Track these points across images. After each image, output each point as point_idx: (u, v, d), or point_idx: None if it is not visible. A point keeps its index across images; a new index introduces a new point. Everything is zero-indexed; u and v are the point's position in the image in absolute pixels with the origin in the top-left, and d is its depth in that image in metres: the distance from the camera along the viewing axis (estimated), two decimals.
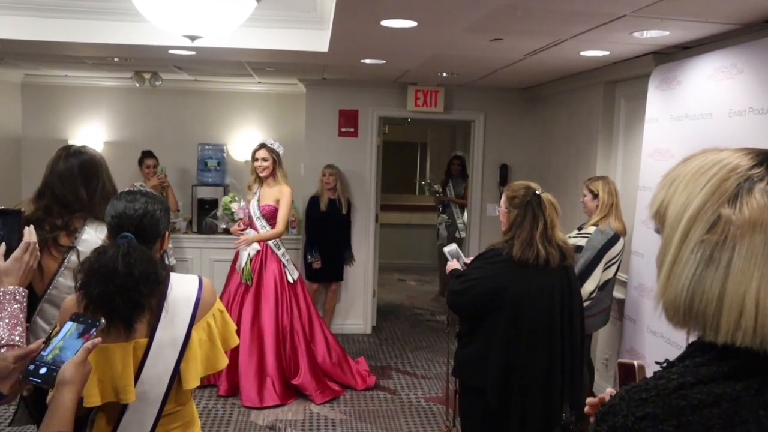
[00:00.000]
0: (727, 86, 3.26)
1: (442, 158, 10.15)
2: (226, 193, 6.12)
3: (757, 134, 2.96)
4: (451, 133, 10.70)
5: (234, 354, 4.75)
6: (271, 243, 5.01)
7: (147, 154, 6.40)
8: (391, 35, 3.72)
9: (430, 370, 5.69)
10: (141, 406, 1.82)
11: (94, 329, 1.56)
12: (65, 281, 2.33)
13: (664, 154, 3.82)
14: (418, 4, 3.04)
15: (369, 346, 6.32)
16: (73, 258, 2.34)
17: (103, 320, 1.60)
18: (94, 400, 1.75)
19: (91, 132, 6.95)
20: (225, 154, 6.98)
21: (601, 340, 4.88)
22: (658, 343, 3.74)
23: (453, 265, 3.25)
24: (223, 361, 1.97)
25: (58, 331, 1.59)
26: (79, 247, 2.35)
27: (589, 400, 1.32)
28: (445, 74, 5.62)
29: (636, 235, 4.13)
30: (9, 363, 1.54)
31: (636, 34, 3.51)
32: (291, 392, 4.92)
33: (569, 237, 3.82)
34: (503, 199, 2.98)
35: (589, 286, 3.79)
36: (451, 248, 3.41)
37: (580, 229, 4.09)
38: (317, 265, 6.18)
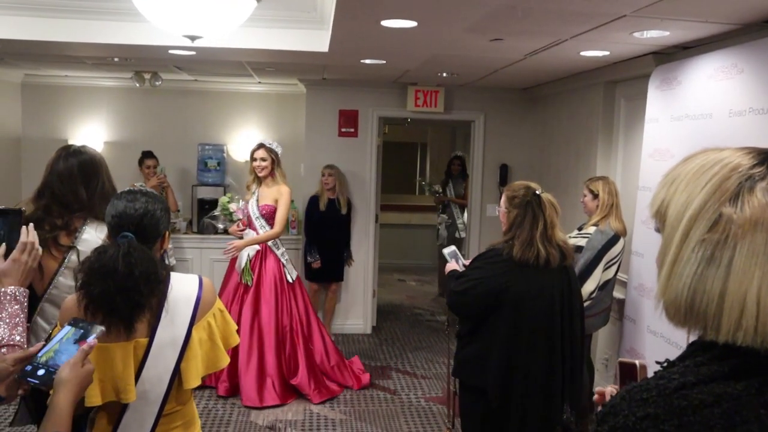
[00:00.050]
0: (728, 86, 3.26)
1: (442, 158, 10.15)
2: (226, 194, 6.12)
3: (758, 134, 2.96)
4: (451, 133, 10.71)
5: (234, 354, 4.75)
6: (270, 242, 5.01)
7: (147, 155, 6.40)
8: (391, 35, 3.72)
9: (430, 370, 5.69)
10: (141, 406, 1.82)
11: (92, 336, 1.56)
12: (65, 281, 2.33)
13: (664, 154, 3.82)
14: (418, 4, 3.04)
15: (369, 346, 6.32)
16: (73, 258, 2.34)
17: (102, 328, 1.60)
18: (94, 399, 1.75)
19: (91, 132, 6.95)
20: (225, 154, 6.99)
21: (601, 340, 4.88)
22: (658, 343, 3.74)
23: (452, 266, 3.25)
24: (225, 360, 1.97)
25: (56, 334, 1.59)
26: (79, 247, 2.35)
27: (598, 389, 1.33)
28: (445, 74, 5.62)
29: (636, 235, 4.13)
30: (7, 365, 1.54)
31: (636, 34, 3.51)
32: (291, 392, 4.92)
33: (569, 237, 3.82)
34: (503, 199, 2.98)
35: (589, 286, 3.79)
36: (449, 250, 3.41)
37: (580, 229, 4.09)
38: (317, 265, 6.18)
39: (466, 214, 7.43)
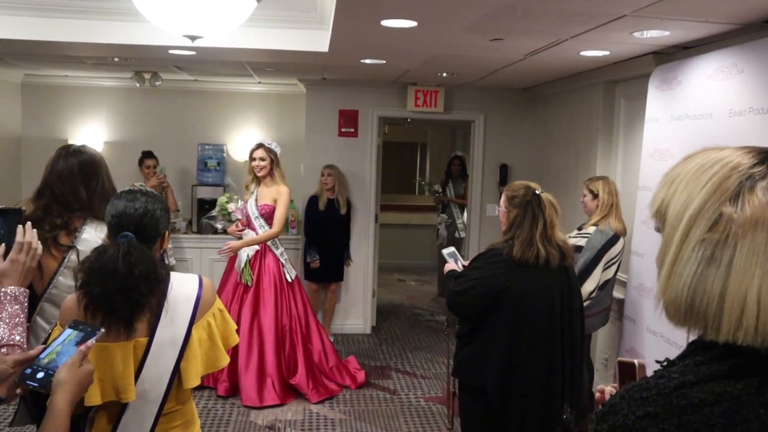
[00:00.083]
0: (728, 86, 3.26)
1: (442, 158, 10.15)
2: (225, 194, 6.11)
3: (758, 134, 2.96)
4: (451, 133, 10.71)
5: (233, 354, 4.76)
6: (269, 242, 5.02)
7: (147, 155, 6.40)
8: (391, 35, 3.72)
9: (429, 370, 5.69)
10: (141, 405, 1.82)
11: (93, 338, 1.56)
12: (65, 280, 2.33)
13: (664, 154, 3.82)
14: (418, 4, 3.04)
15: (369, 346, 6.32)
16: (73, 257, 2.34)
17: (102, 329, 1.60)
18: (94, 399, 1.75)
19: (91, 132, 6.95)
20: (225, 154, 6.98)
21: (601, 339, 4.88)
22: (657, 342, 3.74)
23: (450, 266, 3.24)
24: (224, 360, 1.97)
25: (57, 337, 1.59)
26: (79, 247, 2.35)
27: (599, 387, 1.33)
28: (445, 74, 5.62)
29: (636, 235, 4.13)
30: (7, 367, 1.54)
31: (636, 34, 3.51)
32: (290, 392, 4.93)
33: (569, 237, 3.82)
34: (503, 198, 2.98)
35: (588, 286, 3.79)
36: (449, 250, 3.42)
37: (580, 229, 4.09)
38: (315, 264, 6.19)
39: (465, 214, 7.43)
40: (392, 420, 4.66)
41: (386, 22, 3.41)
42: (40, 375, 1.49)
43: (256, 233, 4.99)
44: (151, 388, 1.82)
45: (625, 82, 4.79)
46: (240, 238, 5.02)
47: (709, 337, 0.87)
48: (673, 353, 0.94)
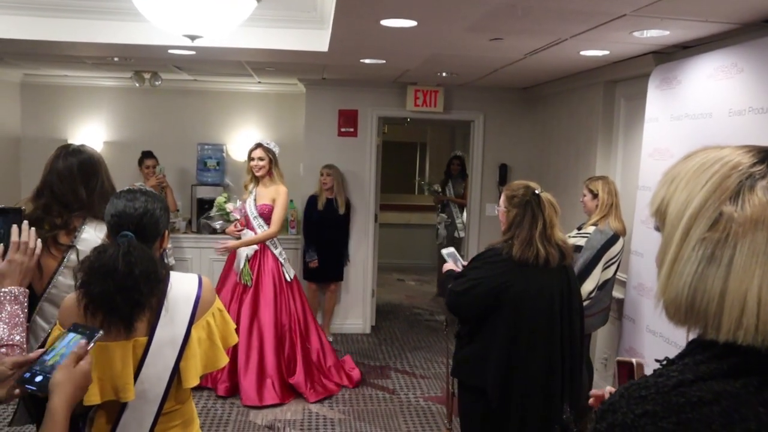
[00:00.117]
0: (727, 86, 3.26)
1: (441, 158, 10.15)
2: (223, 194, 6.11)
3: (757, 134, 2.96)
4: (450, 132, 10.71)
5: (233, 354, 4.76)
6: (267, 241, 5.02)
7: (147, 155, 6.40)
8: (391, 35, 3.72)
9: (429, 370, 5.69)
10: (140, 405, 1.82)
11: (93, 340, 1.56)
12: (65, 280, 2.32)
13: (664, 153, 3.82)
14: (418, 3, 3.04)
15: (368, 346, 6.32)
16: (72, 257, 2.33)
17: (100, 332, 1.60)
18: (93, 398, 1.75)
19: (91, 132, 6.95)
20: (224, 154, 6.98)
21: (601, 339, 4.88)
22: (657, 342, 3.74)
23: (449, 266, 3.24)
24: (223, 360, 1.97)
25: (59, 341, 1.58)
26: (78, 246, 2.34)
27: (593, 392, 1.33)
28: (444, 74, 5.62)
29: (635, 234, 4.13)
30: (6, 369, 1.54)
31: (636, 34, 3.51)
32: (290, 391, 4.93)
33: (569, 237, 3.82)
34: (502, 198, 2.98)
35: (588, 286, 3.79)
36: (449, 250, 3.41)
37: (579, 228, 4.09)
38: (314, 264, 6.19)
39: (465, 214, 7.44)
40: (392, 420, 4.66)
41: (386, 22, 3.41)
42: (39, 378, 1.49)
43: (255, 233, 4.99)
44: (151, 387, 1.82)
45: (624, 81, 4.79)
46: (239, 238, 5.02)
47: (709, 336, 0.87)
48: (673, 353, 0.94)
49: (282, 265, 5.06)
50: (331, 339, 6.14)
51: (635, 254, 4.14)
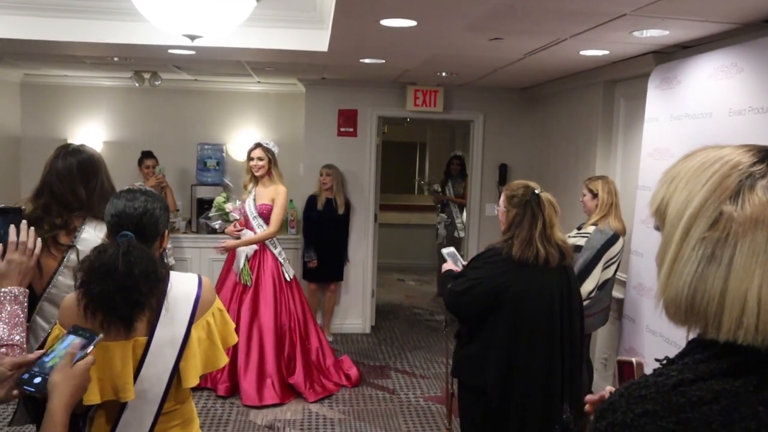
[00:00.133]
0: (727, 85, 3.26)
1: (441, 158, 10.15)
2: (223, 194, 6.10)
3: (757, 133, 2.96)
4: (450, 132, 10.71)
5: (233, 354, 4.76)
6: (267, 241, 5.02)
7: (147, 155, 6.40)
8: (391, 35, 3.72)
9: (428, 370, 5.69)
10: (140, 405, 1.82)
11: (92, 344, 1.56)
12: (65, 280, 2.32)
13: (664, 153, 3.82)
14: (417, 3, 3.04)
15: (368, 346, 6.32)
16: (72, 257, 2.33)
17: (101, 335, 1.60)
18: (93, 398, 1.75)
19: (91, 132, 6.94)
20: (224, 154, 6.98)
21: (600, 339, 4.88)
22: (657, 342, 3.74)
23: (448, 266, 3.24)
24: (223, 360, 1.96)
25: (59, 343, 1.58)
26: (78, 246, 2.34)
27: (588, 397, 1.32)
28: (444, 74, 5.62)
29: (635, 234, 4.13)
30: (5, 369, 1.54)
31: (636, 34, 3.51)
32: (290, 391, 4.93)
33: (569, 236, 3.82)
34: (502, 198, 2.98)
35: (588, 286, 3.79)
36: (449, 250, 3.41)
37: (579, 228, 4.09)
38: (313, 264, 6.19)
39: (465, 214, 7.43)
40: (391, 419, 4.66)
41: (386, 22, 3.41)
42: (37, 380, 1.49)
43: (255, 233, 4.99)
44: (151, 387, 1.82)
45: (624, 81, 4.79)
46: (238, 238, 5.02)
47: (709, 335, 0.87)
48: (673, 352, 0.94)
49: (281, 264, 5.07)
50: (330, 339, 6.14)
51: (635, 254, 4.14)
